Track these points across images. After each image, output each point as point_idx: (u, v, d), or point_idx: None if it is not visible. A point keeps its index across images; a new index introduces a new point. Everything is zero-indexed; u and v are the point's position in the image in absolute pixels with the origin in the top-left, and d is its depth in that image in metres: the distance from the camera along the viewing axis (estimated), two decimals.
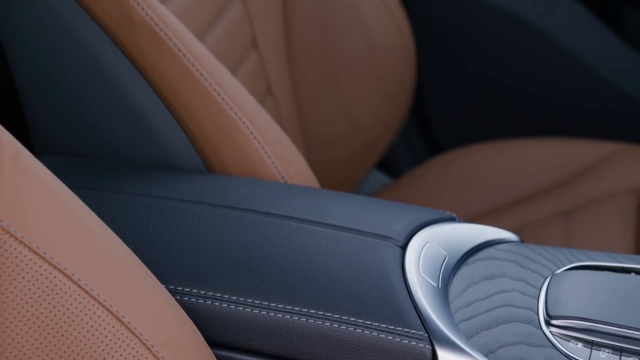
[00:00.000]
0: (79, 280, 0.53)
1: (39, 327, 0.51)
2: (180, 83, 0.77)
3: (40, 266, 0.51)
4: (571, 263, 0.69)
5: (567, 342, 0.62)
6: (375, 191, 1.38)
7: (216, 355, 0.65)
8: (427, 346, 0.62)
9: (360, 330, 0.63)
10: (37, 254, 0.51)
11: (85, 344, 0.53)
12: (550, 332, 0.63)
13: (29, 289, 0.51)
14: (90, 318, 0.53)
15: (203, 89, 0.78)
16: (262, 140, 0.80)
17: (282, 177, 0.82)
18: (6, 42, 0.83)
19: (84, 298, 0.53)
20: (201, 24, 1.03)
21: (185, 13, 0.99)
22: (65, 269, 0.52)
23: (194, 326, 0.63)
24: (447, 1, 1.38)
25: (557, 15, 1.33)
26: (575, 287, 0.65)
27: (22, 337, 0.50)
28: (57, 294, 0.52)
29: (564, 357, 0.62)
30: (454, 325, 0.64)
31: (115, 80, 0.78)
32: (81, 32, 0.77)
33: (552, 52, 1.34)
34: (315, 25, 1.22)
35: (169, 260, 0.68)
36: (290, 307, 0.64)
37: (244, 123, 0.79)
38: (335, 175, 1.29)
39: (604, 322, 0.62)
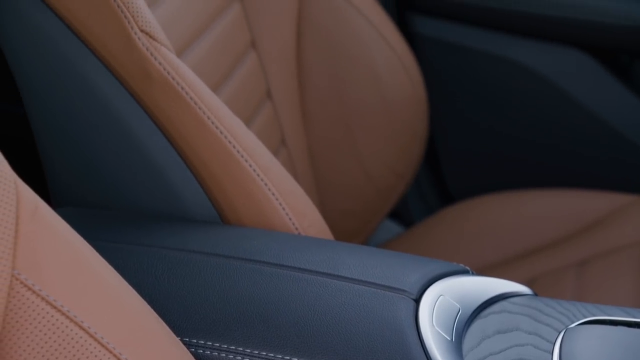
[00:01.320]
0: (95, 333, 0.53)
1: None
2: (197, 136, 0.78)
3: (57, 319, 0.52)
4: (585, 317, 0.69)
5: None
6: (388, 241, 1.38)
7: None
8: None
9: None
10: (54, 306, 0.52)
11: None
12: None
13: (46, 342, 0.51)
14: None
15: (218, 142, 0.79)
16: (276, 192, 0.81)
17: (296, 229, 0.82)
18: (25, 94, 0.85)
19: (99, 351, 0.53)
20: (216, 77, 1.05)
21: (201, 66, 1.01)
22: (82, 322, 0.53)
23: None
24: (458, 52, 1.40)
25: (567, 67, 1.34)
26: (589, 342, 0.65)
27: None
28: (73, 347, 0.52)
29: None
30: None
31: (131, 133, 0.79)
32: (99, 86, 0.78)
33: (563, 104, 1.35)
34: (328, 76, 1.23)
35: (183, 312, 0.68)
36: None
37: (258, 175, 0.80)
38: (348, 225, 1.29)
39: None
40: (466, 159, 1.46)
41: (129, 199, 0.82)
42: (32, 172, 0.91)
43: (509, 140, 1.41)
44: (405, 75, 1.28)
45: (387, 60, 1.26)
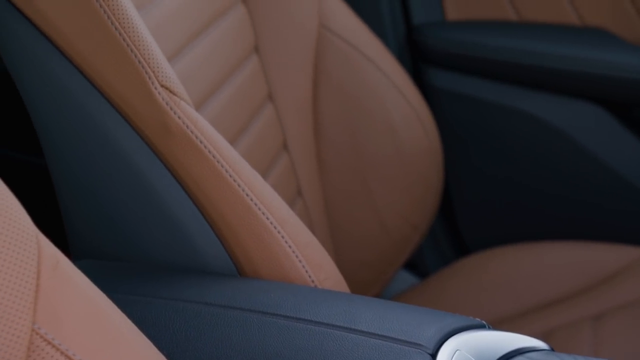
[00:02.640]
0: None
1: None
2: (215, 189, 0.79)
3: None
4: None
5: None
6: (403, 292, 1.38)
7: None
8: None
9: None
10: None
11: None
12: None
13: None
14: None
15: (236, 195, 0.79)
16: (293, 244, 0.82)
17: (313, 281, 0.82)
18: (45, 146, 0.86)
19: None
20: (234, 129, 1.06)
21: (219, 118, 1.02)
22: None
23: None
24: (473, 105, 1.41)
25: (582, 120, 1.35)
26: None
27: None
28: None
29: None
30: None
31: (150, 186, 0.80)
32: (118, 139, 0.79)
33: (578, 156, 1.35)
34: (344, 128, 1.24)
35: None
36: None
37: (275, 227, 0.81)
38: (363, 276, 1.29)
39: None
40: (481, 210, 1.46)
41: (147, 251, 0.83)
42: (53, 222, 0.92)
43: (523, 191, 1.41)
44: (421, 127, 1.28)
45: (402, 112, 1.27)
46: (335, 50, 1.22)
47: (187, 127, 0.78)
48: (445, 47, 1.41)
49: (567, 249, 1.29)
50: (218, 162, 0.79)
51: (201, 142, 0.79)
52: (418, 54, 1.46)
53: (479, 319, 0.76)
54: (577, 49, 1.33)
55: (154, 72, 0.77)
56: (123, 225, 0.83)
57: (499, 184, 1.43)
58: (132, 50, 0.77)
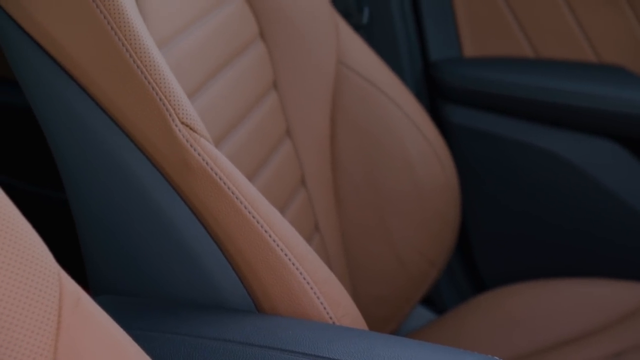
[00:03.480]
0: None
1: None
2: (233, 225, 0.80)
3: None
4: None
5: None
6: (420, 328, 1.37)
7: None
8: None
9: None
10: None
11: None
12: None
13: None
14: None
15: (255, 231, 0.80)
16: (311, 281, 0.82)
17: (330, 318, 0.82)
18: (66, 180, 0.87)
19: None
20: (253, 164, 1.07)
21: (238, 154, 1.03)
22: None
23: None
24: (490, 141, 1.41)
25: (600, 157, 1.35)
26: None
27: None
28: None
29: None
30: None
31: (169, 221, 0.81)
32: (138, 175, 0.80)
33: (596, 193, 1.35)
34: (362, 163, 1.25)
35: None
36: None
37: (293, 264, 0.81)
38: (380, 311, 1.29)
39: None
40: (498, 246, 1.46)
41: (165, 286, 0.83)
42: (72, 256, 0.93)
43: (541, 227, 1.41)
44: (438, 163, 1.29)
45: (419, 148, 1.27)
46: (353, 87, 1.23)
47: (207, 164, 0.79)
48: (462, 83, 1.42)
49: (585, 286, 1.29)
50: (237, 198, 0.80)
51: (220, 178, 0.79)
52: (435, 90, 1.46)
53: (497, 358, 0.76)
54: (594, 86, 1.33)
55: (174, 109, 0.78)
56: (142, 261, 0.84)
57: (516, 220, 1.43)
58: (153, 88, 0.78)
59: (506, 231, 1.44)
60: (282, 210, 1.12)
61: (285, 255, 0.81)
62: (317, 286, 0.82)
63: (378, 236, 1.27)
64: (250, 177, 1.06)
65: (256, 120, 1.09)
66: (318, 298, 0.82)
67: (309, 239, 1.18)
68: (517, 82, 1.37)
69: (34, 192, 1.53)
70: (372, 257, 1.28)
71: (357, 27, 1.38)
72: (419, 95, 1.46)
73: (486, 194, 1.44)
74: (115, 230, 0.84)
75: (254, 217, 0.80)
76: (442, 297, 1.49)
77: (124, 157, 0.80)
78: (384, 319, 1.29)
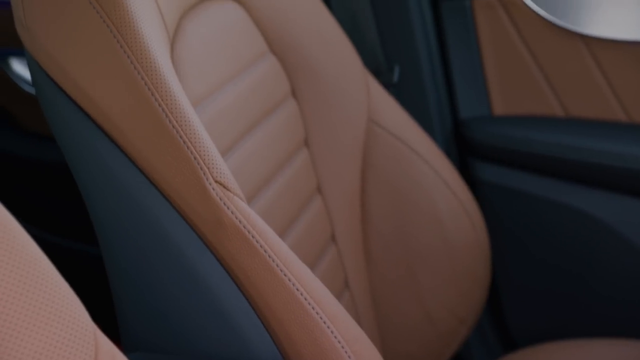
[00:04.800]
0: None
1: None
2: (265, 283, 0.80)
3: None
4: None
5: None
6: None
7: None
8: None
9: None
10: None
11: None
12: None
13: None
14: None
15: (287, 289, 0.80)
16: (342, 340, 0.82)
17: None
18: (100, 237, 0.88)
19: None
20: (284, 221, 1.08)
21: (269, 211, 1.04)
22: None
23: None
24: (520, 199, 1.41)
25: (631, 216, 1.34)
26: None
27: None
28: None
29: None
30: None
31: (201, 279, 0.81)
32: (171, 233, 0.81)
33: (628, 253, 1.34)
34: (391, 220, 1.25)
35: None
36: None
37: (325, 323, 0.81)
38: None
39: None
40: (529, 304, 1.45)
41: (197, 343, 0.84)
42: (106, 311, 0.94)
43: (572, 286, 1.40)
44: (468, 220, 1.29)
45: (449, 206, 1.27)
46: (384, 144, 1.24)
47: (240, 222, 0.79)
48: (492, 141, 1.42)
49: (616, 347, 1.27)
50: (269, 256, 0.80)
51: (253, 236, 0.80)
52: (465, 148, 1.47)
53: None
54: (624, 145, 1.33)
55: (208, 168, 0.79)
56: (174, 317, 0.84)
57: (547, 278, 1.42)
58: (187, 147, 0.79)
59: (537, 289, 1.43)
60: (313, 266, 1.13)
61: (317, 313, 0.81)
62: (348, 345, 0.82)
63: (407, 293, 1.27)
64: (282, 233, 1.06)
65: (287, 177, 1.11)
66: (349, 357, 0.82)
67: (339, 296, 1.19)
68: (546, 140, 1.37)
69: (69, 247, 1.55)
70: (401, 314, 1.27)
71: (388, 85, 1.39)
72: (448, 152, 1.46)
73: (516, 251, 1.44)
74: (147, 287, 0.85)
75: (285, 274, 0.81)
76: (472, 356, 1.48)
77: (157, 214, 0.81)
78: None
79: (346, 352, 0.81)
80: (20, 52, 1.55)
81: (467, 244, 1.29)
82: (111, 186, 0.83)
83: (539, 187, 1.39)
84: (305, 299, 0.81)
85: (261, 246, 0.80)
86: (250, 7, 1.11)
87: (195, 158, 0.79)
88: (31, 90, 1.58)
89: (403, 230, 1.25)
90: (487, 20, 1.41)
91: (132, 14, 0.81)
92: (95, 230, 0.88)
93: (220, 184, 0.80)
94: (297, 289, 0.81)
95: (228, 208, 0.79)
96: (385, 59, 1.42)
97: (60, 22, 0.81)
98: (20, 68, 1.60)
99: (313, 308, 0.81)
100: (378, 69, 1.41)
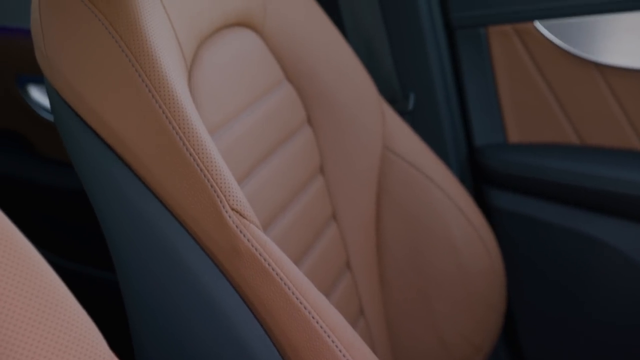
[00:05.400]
0: None
1: None
2: (282, 311, 0.80)
3: None
4: None
5: None
6: None
7: None
8: None
9: None
10: None
11: None
12: None
13: None
14: None
15: (303, 318, 0.80)
16: None
17: None
18: (117, 264, 0.88)
19: None
20: (300, 248, 1.08)
21: (285, 238, 1.04)
22: None
23: None
24: (535, 226, 1.41)
25: None
26: None
27: None
28: None
29: None
30: None
31: (218, 307, 0.81)
32: (188, 261, 0.81)
33: None
34: (407, 247, 1.25)
35: None
36: None
37: (340, 351, 0.81)
38: None
39: None
40: (545, 332, 1.44)
41: None
42: (122, 338, 0.94)
43: (588, 314, 1.39)
44: (482, 247, 1.29)
45: (464, 232, 1.27)
46: (399, 171, 1.24)
47: (256, 249, 0.80)
48: (507, 168, 1.42)
49: None
50: (285, 284, 0.80)
51: (269, 264, 0.80)
52: (480, 175, 1.47)
53: None
54: (638, 173, 1.33)
55: (225, 195, 0.80)
56: (189, 345, 0.84)
57: (563, 306, 1.41)
58: (204, 175, 0.79)
59: (552, 317, 1.43)
60: (328, 293, 1.13)
61: (333, 342, 0.81)
62: None
63: (422, 320, 1.27)
64: (297, 260, 1.07)
65: (303, 204, 1.11)
66: None
67: (354, 323, 1.19)
68: (561, 168, 1.37)
69: (86, 273, 1.55)
70: (416, 341, 1.27)
71: (403, 113, 1.40)
72: (463, 179, 1.47)
73: (531, 278, 1.43)
74: (163, 313, 0.85)
75: (301, 303, 0.81)
76: None
77: (173, 240, 0.82)
78: None
79: None
80: (38, 78, 1.57)
81: (482, 270, 1.28)
82: (127, 212, 0.83)
83: (553, 215, 1.39)
84: (321, 327, 0.81)
85: (277, 274, 0.80)
86: (267, 35, 1.12)
87: (212, 186, 0.79)
88: (49, 116, 1.59)
89: (418, 256, 1.25)
90: (501, 47, 1.41)
91: (151, 44, 0.82)
92: (112, 256, 0.89)
93: (237, 211, 0.80)
94: (313, 317, 0.81)
95: (244, 236, 0.80)
96: (400, 87, 1.43)
97: (79, 51, 0.82)
98: (38, 95, 1.61)
99: (329, 336, 0.81)
100: (393, 97, 1.42)
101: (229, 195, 0.80)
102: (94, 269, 1.54)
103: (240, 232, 0.79)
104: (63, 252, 1.62)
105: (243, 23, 1.08)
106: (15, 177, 1.67)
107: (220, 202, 0.79)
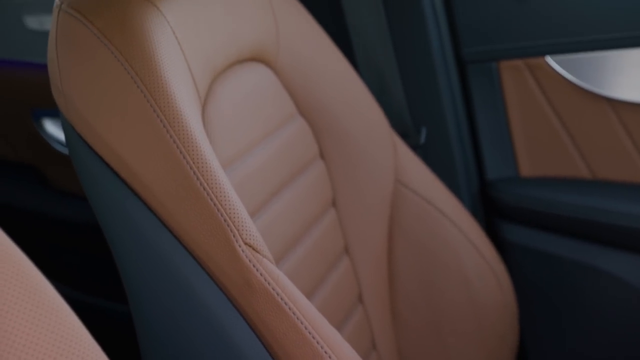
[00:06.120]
0: None
1: None
2: (294, 346, 0.80)
3: None
4: None
5: None
6: None
7: None
8: None
9: None
10: None
11: None
12: None
13: None
14: None
15: (315, 352, 0.80)
16: None
17: None
18: (130, 296, 0.88)
19: None
20: (312, 282, 1.08)
21: (297, 272, 1.04)
22: None
23: None
24: (548, 260, 1.40)
25: None
26: None
27: None
28: None
29: None
30: None
31: (230, 341, 0.81)
32: (200, 294, 0.81)
33: None
34: (419, 280, 1.25)
35: None
36: None
37: None
38: None
39: None
40: None
41: None
42: None
43: (602, 350, 1.39)
44: (495, 281, 1.29)
45: (476, 266, 1.27)
46: (411, 205, 1.25)
47: (269, 284, 0.80)
48: (519, 202, 1.43)
49: None
50: (298, 319, 0.80)
51: (282, 299, 0.80)
52: (492, 209, 1.47)
53: None
54: None
55: (238, 230, 0.80)
56: None
57: (576, 341, 1.41)
58: (218, 209, 0.80)
59: (565, 352, 1.42)
60: (340, 327, 1.13)
61: None
62: None
63: (435, 353, 1.26)
64: (309, 294, 1.07)
65: (315, 237, 1.11)
66: None
67: (366, 357, 1.18)
68: (573, 202, 1.37)
69: (99, 306, 1.56)
70: None
71: (415, 147, 1.40)
72: (475, 213, 1.47)
73: (544, 312, 1.43)
74: (176, 347, 0.85)
75: (314, 337, 0.81)
76: None
77: (186, 274, 0.82)
78: None
79: None
80: (53, 112, 1.58)
81: (494, 303, 1.28)
82: (141, 245, 0.83)
83: (566, 249, 1.38)
84: None
85: (290, 308, 0.81)
86: (279, 70, 1.13)
87: (225, 220, 0.80)
88: (63, 150, 1.60)
89: (430, 290, 1.25)
90: (513, 82, 1.42)
91: (165, 79, 0.83)
92: (125, 289, 0.89)
93: (250, 246, 0.80)
94: (325, 352, 0.81)
95: (257, 270, 0.80)
96: (412, 121, 1.44)
97: (95, 86, 0.83)
98: (52, 128, 1.63)
99: None
100: (405, 131, 1.43)
101: (242, 230, 0.80)
102: (106, 301, 1.54)
103: (253, 266, 0.80)
104: (77, 284, 1.62)
105: (256, 58, 1.09)
106: (29, 210, 1.68)
107: (234, 236, 0.80)
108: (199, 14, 0.96)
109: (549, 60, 1.38)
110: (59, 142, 1.61)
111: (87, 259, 1.59)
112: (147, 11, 0.87)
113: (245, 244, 0.80)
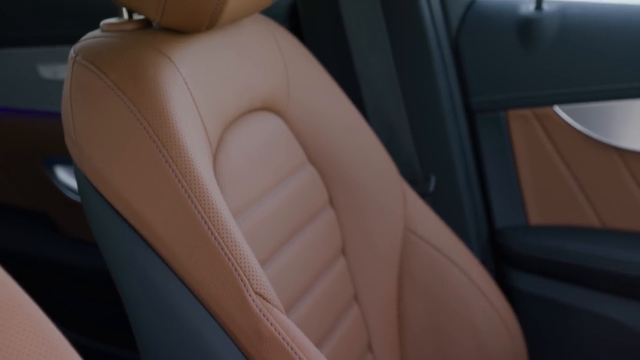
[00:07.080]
0: None
1: None
2: None
3: None
4: None
5: None
6: None
7: None
8: None
9: None
10: None
11: None
12: None
13: None
14: None
15: None
16: None
17: None
18: (140, 344, 0.88)
19: None
20: (321, 331, 1.08)
21: (307, 321, 1.04)
22: None
23: None
24: (557, 309, 1.40)
25: None
26: None
27: None
28: None
29: None
30: None
31: None
32: (211, 344, 0.81)
33: None
34: (428, 329, 1.25)
35: None
36: None
37: None
38: None
39: None
40: None
41: None
42: None
43: None
44: (505, 329, 1.28)
45: (486, 315, 1.27)
46: (420, 253, 1.25)
47: (279, 333, 0.80)
48: (528, 251, 1.43)
49: None
50: None
51: (292, 349, 0.80)
52: (501, 257, 1.47)
53: None
54: None
55: (249, 279, 0.80)
56: None
57: None
58: (229, 258, 0.80)
59: None
60: None
61: None
62: None
63: None
64: (319, 342, 1.07)
65: (325, 285, 1.11)
66: None
67: None
68: (583, 251, 1.37)
69: (110, 353, 1.55)
70: None
71: (424, 195, 1.41)
72: (484, 261, 1.47)
73: None
74: None
75: None
76: None
77: (196, 324, 0.82)
78: None
79: None
80: (64, 160, 1.59)
81: (504, 352, 1.28)
82: (151, 294, 0.84)
83: (576, 298, 1.38)
84: None
85: (300, 358, 0.80)
86: (290, 118, 1.14)
87: (236, 269, 0.80)
88: (74, 197, 1.61)
89: (439, 338, 1.25)
90: (521, 131, 1.43)
91: (177, 130, 0.84)
92: (135, 337, 0.89)
93: (260, 295, 0.80)
94: None
95: (267, 320, 0.80)
96: (421, 169, 1.44)
97: (107, 137, 0.84)
98: (64, 175, 1.64)
99: None
100: (414, 179, 1.43)
101: (253, 279, 0.80)
102: (117, 349, 1.54)
103: (264, 315, 0.80)
104: (87, 332, 1.62)
105: (267, 107, 1.10)
106: (40, 257, 1.68)
107: (244, 285, 0.80)
108: (211, 64, 0.97)
109: (557, 109, 1.39)
110: (70, 189, 1.62)
111: (97, 306, 1.59)
112: (159, 62, 0.88)
113: (256, 293, 0.80)
